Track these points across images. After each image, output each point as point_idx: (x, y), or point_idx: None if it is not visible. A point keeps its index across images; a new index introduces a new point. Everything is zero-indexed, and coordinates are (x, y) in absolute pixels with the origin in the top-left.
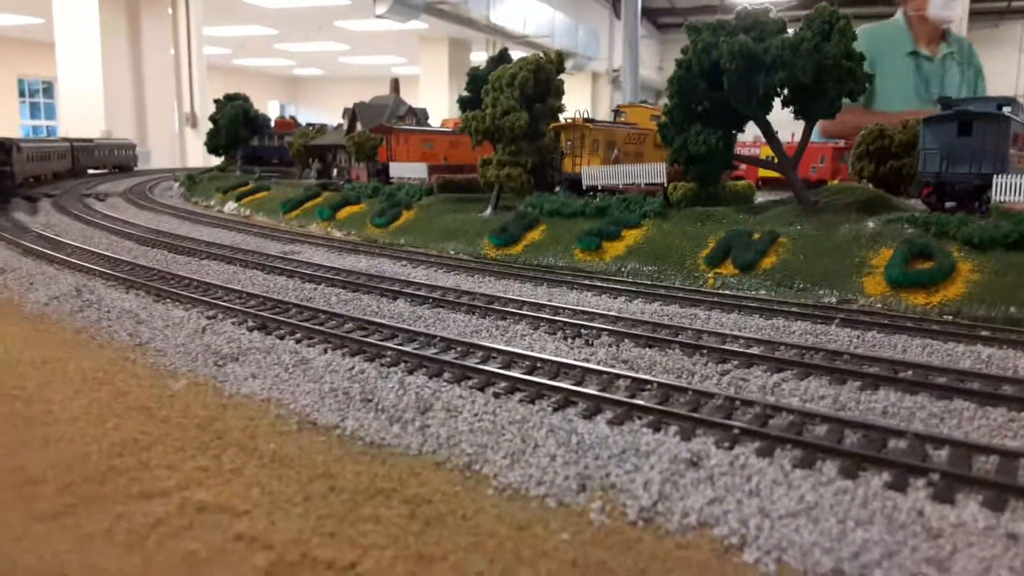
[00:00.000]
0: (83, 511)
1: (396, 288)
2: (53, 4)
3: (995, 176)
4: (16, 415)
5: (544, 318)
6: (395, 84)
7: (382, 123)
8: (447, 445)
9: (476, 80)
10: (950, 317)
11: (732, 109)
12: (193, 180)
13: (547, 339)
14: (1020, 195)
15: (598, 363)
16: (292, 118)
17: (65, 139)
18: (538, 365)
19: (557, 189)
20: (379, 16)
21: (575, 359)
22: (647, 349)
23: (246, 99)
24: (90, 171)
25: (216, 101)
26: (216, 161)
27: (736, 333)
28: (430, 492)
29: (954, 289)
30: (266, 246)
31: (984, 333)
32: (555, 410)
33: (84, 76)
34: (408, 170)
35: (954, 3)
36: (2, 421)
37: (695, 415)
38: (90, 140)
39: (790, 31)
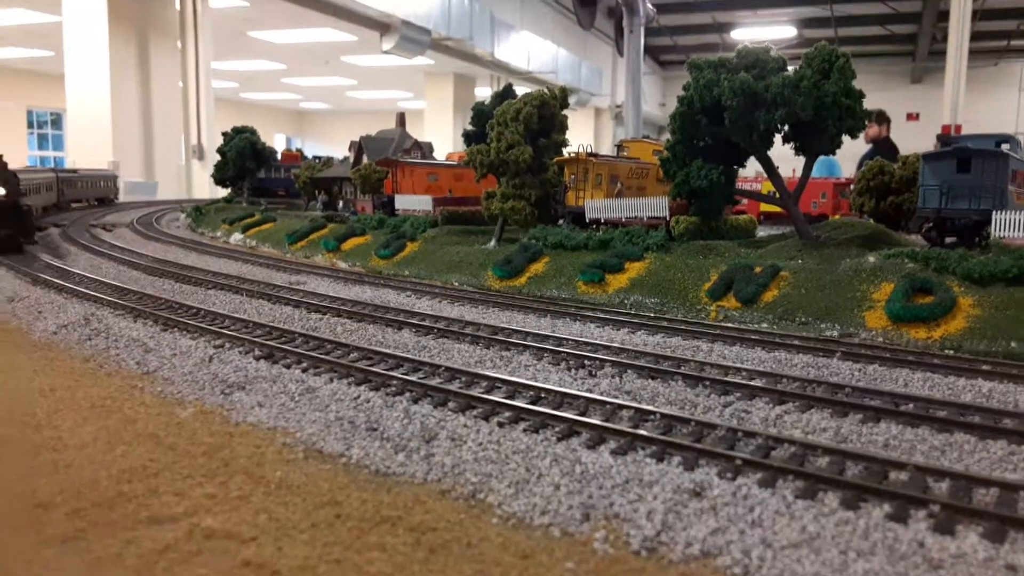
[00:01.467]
0: (93, 536)
1: (401, 318)
2: (64, 37)
3: (994, 212)
4: (26, 441)
5: (547, 349)
6: (401, 118)
7: (388, 156)
8: (452, 474)
9: (481, 115)
10: (951, 351)
11: (733, 145)
12: (200, 211)
13: (551, 370)
14: (1019, 231)
15: (601, 394)
16: (299, 151)
17: (51, 169)
18: (542, 395)
19: (560, 222)
20: (386, 52)
21: (578, 390)
22: (650, 380)
23: (253, 132)
24: (73, 205)
25: (224, 134)
26: (223, 193)
27: (738, 365)
28: (435, 520)
29: (955, 324)
30: (272, 276)
31: (985, 367)
32: (559, 440)
33: (93, 108)
34: (413, 202)
35: None
36: (13, 447)
37: (698, 446)
38: (74, 171)
39: (790, 69)
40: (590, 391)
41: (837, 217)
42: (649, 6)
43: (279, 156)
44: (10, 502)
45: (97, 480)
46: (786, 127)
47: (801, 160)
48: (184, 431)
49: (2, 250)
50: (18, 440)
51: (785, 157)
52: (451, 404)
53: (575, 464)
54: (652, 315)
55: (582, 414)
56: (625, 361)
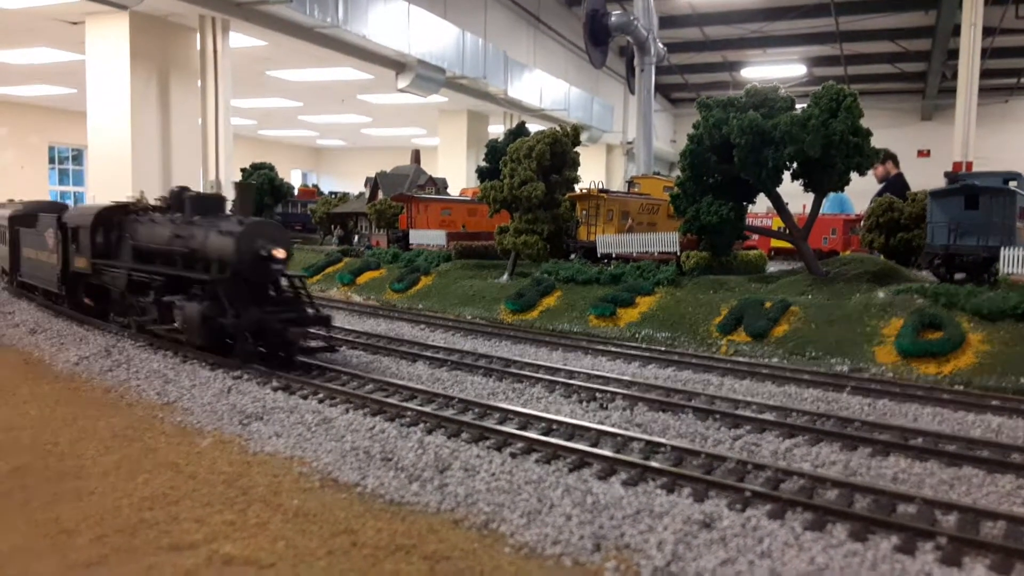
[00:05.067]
0: (115, 561)
1: (415, 351)
2: (87, 75)
3: (1002, 249)
4: (50, 469)
5: (559, 381)
6: (416, 155)
7: (403, 192)
8: (465, 503)
9: (494, 151)
10: (961, 387)
11: (743, 181)
12: None
13: (562, 402)
14: None
15: (612, 426)
16: (315, 186)
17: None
18: (554, 427)
19: (572, 256)
20: (401, 90)
21: (590, 421)
22: (661, 413)
23: (271, 168)
24: None
25: (243, 170)
26: None
27: (749, 399)
28: (448, 549)
29: (964, 359)
30: None
31: (994, 403)
32: (571, 471)
33: (113, 144)
34: (427, 237)
35: None
36: (37, 475)
37: (708, 478)
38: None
39: (798, 108)
40: (601, 423)
41: (847, 253)
42: (660, 45)
43: (296, 192)
44: (34, 528)
45: (119, 507)
46: (795, 164)
47: (810, 196)
48: (204, 460)
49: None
50: (42, 468)
51: (796, 193)
52: (465, 435)
53: (586, 495)
54: (663, 349)
55: (593, 445)
56: (636, 394)
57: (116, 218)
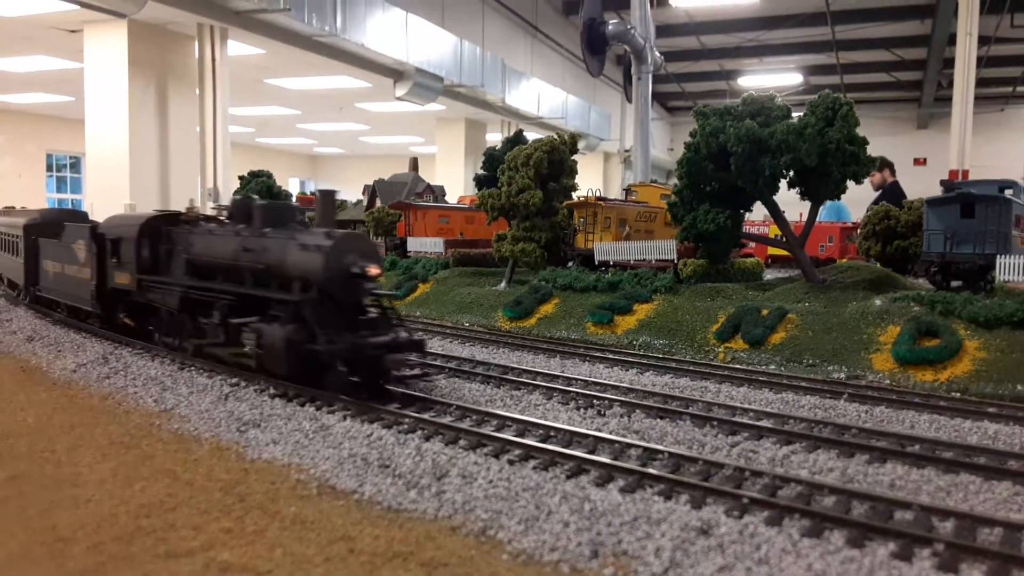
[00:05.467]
0: (112, 569)
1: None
2: (85, 83)
3: (998, 256)
4: (47, 477)
5: (557, 388)
6: (414, 163)
7: (401, 199)
8: (462, 510)
9: (492, 159)
10: (957, 394)
11: (740, 189)
12: None
13: (560, 409)
14: (1023, 275)
15: (610, 433)
16: (313, 194)
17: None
18: (551, 434)
19: (570, 264)
20: (399, 98)
21: (587, 428)
22: (658, 420)
23: (269, 176)
24: None
25: (241, 177)
26: None
27: (746, 406)
28: (446, 556)
29: (961, 366)
30: None
31: (991, 410)
32: (568, 477)
33: (111, 152)
34: (425, 245)
35: None
36: (33, 482)
37: (705, 484)
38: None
39: (795, 116)
40: (599, 430)
41: (844, 261)
42: (657, 54)
43: (294, 199)
44: (31, 536)
45: (116, 515)
46: (791, 173)
47: (807, 205)
48: (201, 467)
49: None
50: (39, 476)
51: (792, 201)
52: (462, 442)
53: (584, 501)
54: (660, 356)
55: (591, 452)
56: (634, 401)
57: (164, 229)
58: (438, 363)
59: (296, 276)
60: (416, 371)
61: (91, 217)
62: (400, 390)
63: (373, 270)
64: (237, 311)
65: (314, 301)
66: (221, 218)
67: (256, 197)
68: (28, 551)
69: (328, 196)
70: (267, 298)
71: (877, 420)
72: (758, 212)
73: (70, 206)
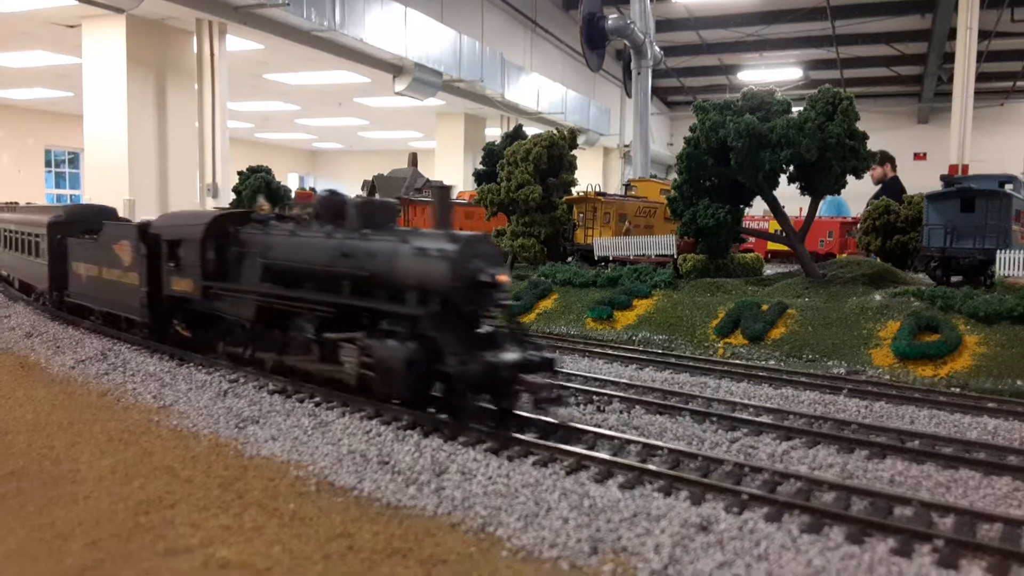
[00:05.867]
0: (110, 566)
1: None
2: (83, 79)
3: (998, 251)
4: (45, 474)
5: (555, 384)
6: (413, 158)
7: (400, 195)
8: (462, 507)
9: (491, 154)
10: (957, 389)
11: (739, 184)
12: None
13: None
14: (1023, 270)
15: (609, 428)
16: (312, 189)
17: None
18: (550, 430)
19: (569, 259)
20: (398, 93)
21: (587, 424)
22: (658, 416)
23: (269, 171)
24: None
25: (240, 173)
26: None
27: (745, 402)
28: (445, 552)
29: (961, 362)
30: None
31: (991, 405)
32: (568, 474)
33: (110, 147)
34: None
35: None
36: (32, 479)
37: (705, 480)
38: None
39: (795, 111)
40: (598, 426)
41: (844, 256)
42: (656, 49)
43: (293, 195)
44: (29, 533)
45: (115, 512)
46: (791, 167)
47: (807, 199)
48: (200, 464)
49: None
50: (37, 472)
51: (792, 196)
52: (461, 438)
53: (583, 498)
54: (660, 351)
55: (590, 448)
56: (633, 397)
57: (232, 230)
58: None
59: (412, 285)
60: (553, 395)
61: (120, 214)
62: (536, 416)
63: (503, 277)
64: (330, 324)
65: (439, 315)
66: (304, 217)
67: (343, 193)
68: (26, 548)
69: (445, 193)
70: (374, 310)
71: (877, 415)
72: (758, 207)
73: (68, 201)
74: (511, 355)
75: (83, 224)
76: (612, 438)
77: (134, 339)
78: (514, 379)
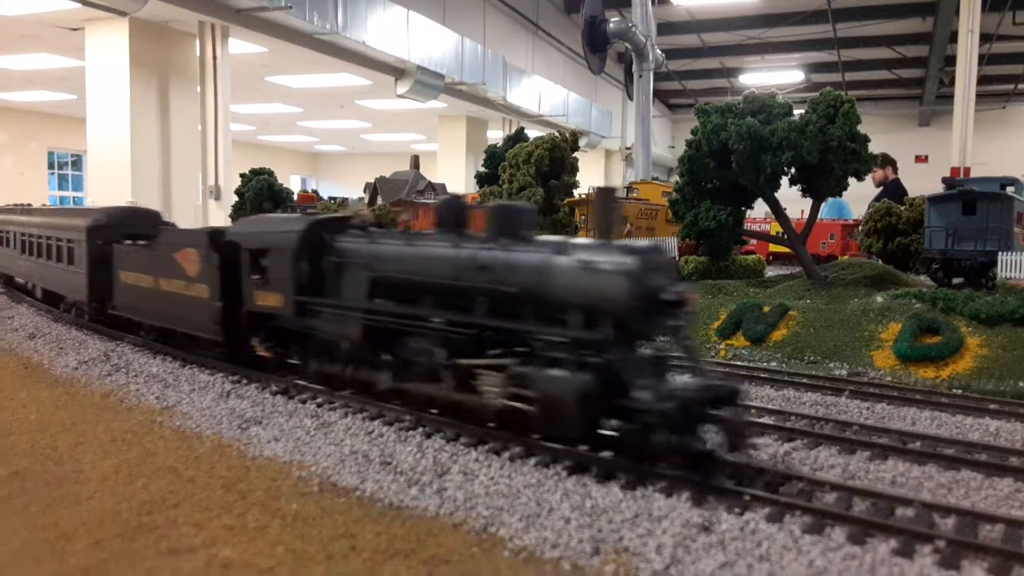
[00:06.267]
0: (114, 566)
1: None
2: (86, 81)
3: (1000, 253)
4: (48, 474)
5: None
6: (415, 160)
7: (402, 197)
8: (464, 507)
9: (493, 157)
10: (959, 391)
11: (741, 187)
12: None
13: None
14: None
15: (609, 430)
16: (314, 192)
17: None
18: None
19: None
20: (400, 96)
21: None
22: None
23: (271, 173)
24: None
25: (242, 175)
26: None
27: (747, 403)
28: (447, 553)
29: (963, 363)
30: None
31: (992, 406)
32: (569, 474)
33: (113, 149)
34: None
35: None
36: (35, 479)
37: (707, 483)
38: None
39: (796, 114)
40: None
41: (845, 258)
42: (658, 51)
43: (295, 197)
44: (33, 533)
45: (118, 512)
46: (793, 170)
47: (809, 202)
48: (203, 464)
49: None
50: (40, 472)
51: (794, 199)
52: (463, 439)
53: (585, 498)
54: None
55: (592, 449)
56: None
57: (329, 238)
58: None
59: (577, 304)
60: (747, 432)
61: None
62: (731, 457)
63: (691, 296)
64: (459, 346)
65: (617, 340)
66: (409, 223)
67: (461, 195)
68: (30, 548)
69: (609, 195)
70: (525, 333)
71: (878, 417)
72: (759, 209)
73: (71, 204)
74: (695, 384)
75: (126, 229)
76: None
77: (198, 358)
78: (706, 414)
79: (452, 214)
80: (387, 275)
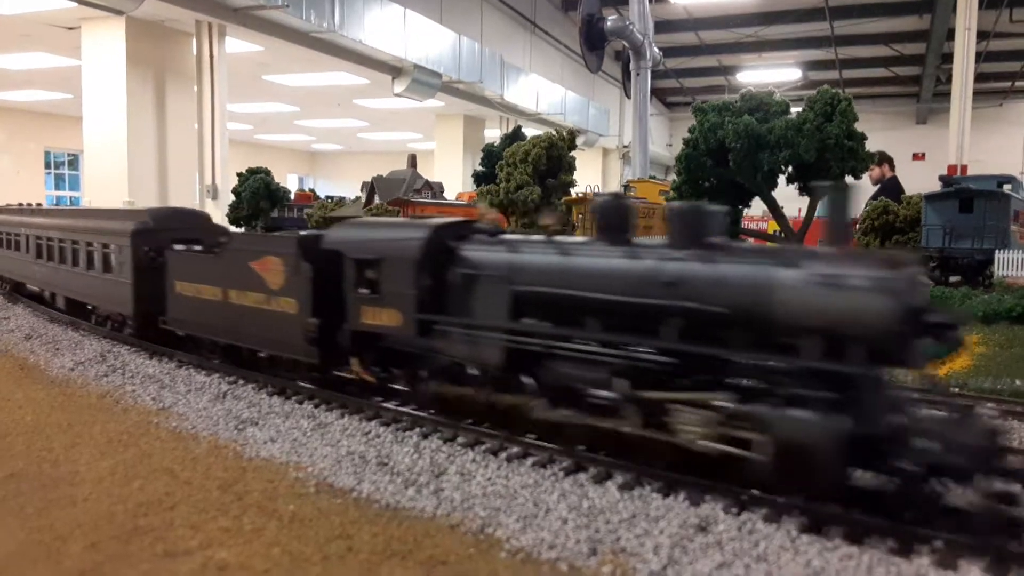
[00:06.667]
0: (110, 569)
1: None
2: (83, 81)
3: (997, 251)
4: (44, 476)
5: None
6: (412, 159)
7: (399, 196)
8: (461, 508)
9: (491, 156)
10: (956, 389)
11: (738, 185)
12: None
13: None
14: (1022, 270)
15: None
16: (311, 191)
17: None
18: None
19: None
20: (397, 95)
21: None
22: None
23: (268, 172)
24: None
25: (239, 174)
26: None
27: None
28: (444, 554)
29: (959, 362)
30: None
31: (989, 405)
32: (567, 475)
33: (109, 149)
34: None
35: None
36: (31, 481)
37: (703, 481)
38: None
39: (793, 112)
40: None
41: None
42: (655, 50)
43: (292, 196)
44: (28, 535)
45: (114, 513)
46: (790, 168)
47: (806, 200)
48: (199, 466)
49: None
50: (36, 474)
51: (792, 197)
52: (460, 439)
53: (582, 499)
54: None
55: (589, 449)
56: None
57: (453, 245)
58: None
59: (815, 328)
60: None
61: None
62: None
63: (964, 316)
64: (646, 377)
65: (873, 372)
66: (562, 228)
67: (625, 194)
68: (26, 550)
69: (842, 194)
70: (735, 363)
71: None
72: (757, 208)
73: (68, 203)
74: (976, 428)
75: (176, 233)
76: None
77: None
78: (995, 466)
79: (616, 218)
80: (535, 290)
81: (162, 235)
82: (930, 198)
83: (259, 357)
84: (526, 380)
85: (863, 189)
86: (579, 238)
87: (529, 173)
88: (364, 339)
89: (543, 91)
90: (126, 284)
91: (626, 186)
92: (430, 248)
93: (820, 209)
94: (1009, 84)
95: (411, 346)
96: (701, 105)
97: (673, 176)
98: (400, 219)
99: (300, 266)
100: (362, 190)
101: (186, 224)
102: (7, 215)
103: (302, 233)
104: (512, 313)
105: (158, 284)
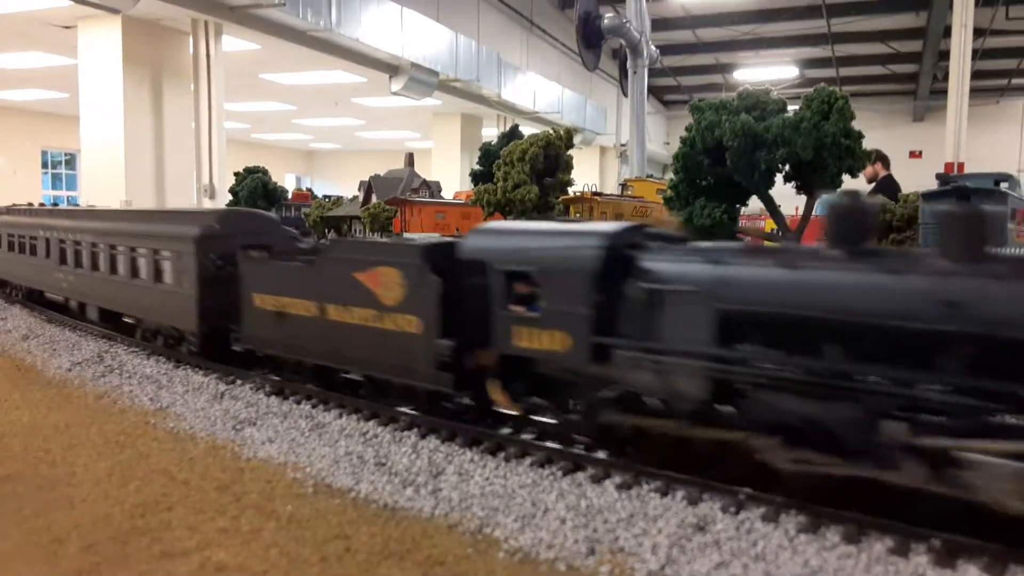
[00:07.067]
0: (107, 570)
1: None
2: (79, 80)
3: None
4: (41, 477)
5: None
6: (410, 158)
7: (396, 195)
8: (459, 508)
9: (488, 154)
10: None
11: (735, 184)
12: None
13: None
14: None
15: None
16: (308, 190)
17: None
18: (548, 430)
19: None
20: (395, 93)
21: None
22: None
23: (265, 172)
24: None
25: (236, 174)
26: None
27: None
28: (442, 554)
29: None
30: None
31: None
32: (565, 475)
33: (106, 148)
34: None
35: None
36: (28, 482)
37: (701, 481)
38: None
39: (790, 110)
40: None
41: None
42: (653, 48)
43: (289, 195)
44: (25, 536)
45: (111, 515)
46: (787, 167)
47: (803, 198)
48: (196, 466)
49: None
50: (33, 475)
51: (789, 196)
52: (459, 439)
53: (580, 499)
54: None
55: (588, 449)
56: None
57: (628, 255)
58: None
59: None
60: None
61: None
62: None
63: None
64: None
65: None
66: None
67: (861, 193)
68: (22, 551)
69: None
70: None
71: None
72: (754, 206)
73: (65, 203)
74: None
75: (246, 238)
76: None
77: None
78: None
79: (855, 223)
80: (752, 310)
81: (230, 240)
82: (927, 196)
83: (356, 382)
84: (726, 410)
85: (861, 188)
86: (805, 247)
87: (526, 172)
88: (515, 364)
89: (540, 89)
90: (188, 296)
91: (624, 185)
92: (609, 258)
93: (818, 208)
94: (1006, 81)
95: (578, 373)
96: (698, 103)
97: (670, 174)
98: (557, 224)
99: (426, 279)
100: (359, 189)
101: (255, 228)
102: (17, 216)
103: (425, 242)
104: (721, 339)
105: (228, 297)
